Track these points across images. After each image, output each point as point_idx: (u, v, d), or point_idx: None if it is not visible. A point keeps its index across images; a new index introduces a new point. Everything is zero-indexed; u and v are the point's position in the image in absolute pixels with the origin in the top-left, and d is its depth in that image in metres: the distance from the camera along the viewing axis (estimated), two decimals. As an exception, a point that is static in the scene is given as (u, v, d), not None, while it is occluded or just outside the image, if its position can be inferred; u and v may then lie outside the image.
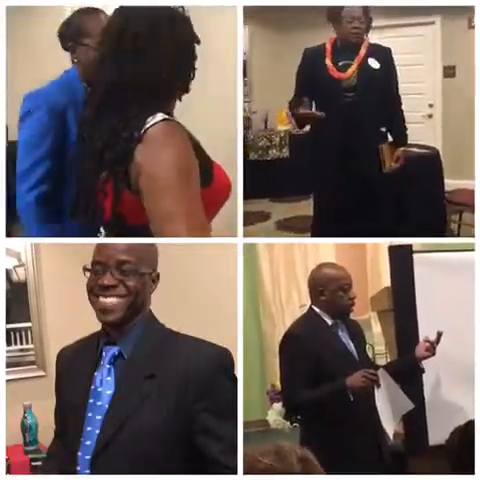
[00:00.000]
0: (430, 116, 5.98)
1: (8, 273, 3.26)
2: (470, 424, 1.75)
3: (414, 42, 5.88)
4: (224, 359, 1.72)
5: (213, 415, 1.65)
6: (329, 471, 1.53)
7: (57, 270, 3.31)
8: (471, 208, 3.41)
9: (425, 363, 2.70)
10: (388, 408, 2.48)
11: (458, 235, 3.85)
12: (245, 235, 4.82)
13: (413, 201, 3.81)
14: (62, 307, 3.29)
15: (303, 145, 3.77)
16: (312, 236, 3.66)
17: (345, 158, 3.30)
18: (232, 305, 2.85)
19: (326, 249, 4.05)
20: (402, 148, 3.39)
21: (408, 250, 2.82)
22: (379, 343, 3.17)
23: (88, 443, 1.67)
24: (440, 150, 4.30)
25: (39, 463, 2.89)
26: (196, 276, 3.33)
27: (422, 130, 5.70)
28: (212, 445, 1.65)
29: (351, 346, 2.56)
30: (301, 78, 3.37)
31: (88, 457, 1.67)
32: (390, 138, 3.41)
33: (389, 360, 2.97)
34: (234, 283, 2.91)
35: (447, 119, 5.90)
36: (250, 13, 6.05)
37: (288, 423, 3.54)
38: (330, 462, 1.53)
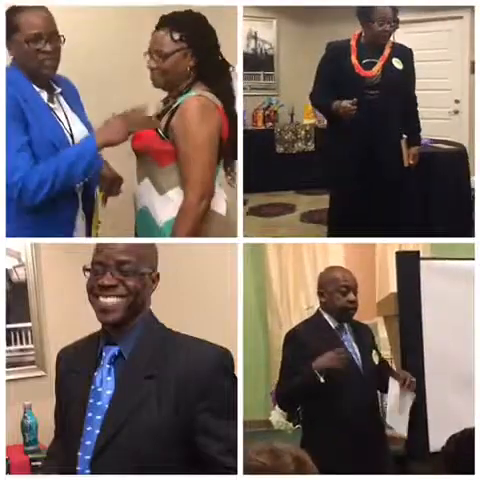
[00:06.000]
0: (456, 112, 5.85)
1: (8, 273, 3.26)
2: (466, 432, 1.73)
3: (441, 37, 5.78)
4: (224, 359, 1.72)
5: (213, 415, 1.65)
6: (327, 473, 1.53)
7: (57, 270, 3.31)
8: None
9: (428, 368, 2.69)
10: (397, 409, 2.50)
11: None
12: (270, 226, 4.82)
13: (438, 199, 3.81)
14: (62, 307, 3.29)
15: (328, 139, 3.76)
16: (328, 230, 3.65)
17: (365, 154, 3.32)
18: (232, 305, 2.85)
19: (335, 253, 4.04)
20: (417, 146, 3.44)
21: (415, 257, 2.81)
22: (385, 348, 3.16)
23: (88, 443, 1.67)
24: (466, 147, 4.24)
25: (39, 463, 2.89)
26: (196, 276, 3.33)
27: (448, 126, 5.62)
28: (212, 445, 1.65)
29: (355, 350, 2.56)
30: (325, 72, 3.39)
31: (88, 457, 1.67)
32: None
33: (394, 365, 2.96)
34: (233, 282, 2.91)
35: (474, 115, 5.73)
36: (277, 7, 6.07)
37: (291, 424, 3.54)
38: (329, 465, 1.53)
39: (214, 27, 2.60)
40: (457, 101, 5.87)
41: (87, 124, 2.54)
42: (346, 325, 2.59)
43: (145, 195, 2.56)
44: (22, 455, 3.06)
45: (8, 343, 3.21)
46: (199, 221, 2.46)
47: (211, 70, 2.51)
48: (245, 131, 6.15)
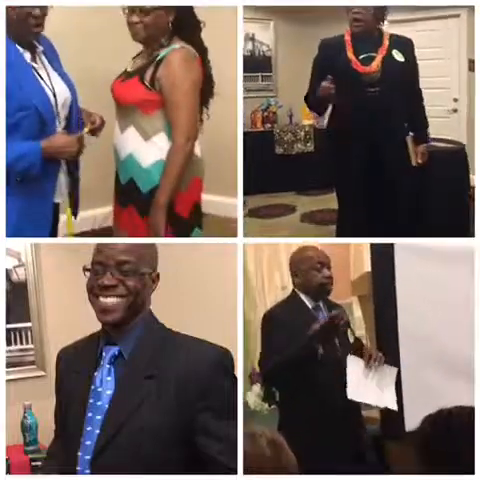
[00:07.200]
0: (455, 110, 5.84)
1: (8, 273, 3.26)
2: (442, 412, 1.71)
3: (439, 35, 5.76)
4: (224, 359, 1.71)
5: (213, 415, 1.65)
6: (302, 456, 1.53)
7: (57, 270, 3.31)
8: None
9: (403, 347, 2.69)
10: (375, 387, 2.49)
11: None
12: (271, 227, 4.83)
13: (437, 197, 3.77)
14: (62, 307, 3.29)
15: (327, 140, 3.72)
16: (338, 230, 3.62)
17: (369, 153, 3.19)
18: (231, 304, 2.84)
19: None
20: (425, 144, 3.34)
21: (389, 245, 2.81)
22: (359, 327, 3.17)
23: (88, 443, 1.67)
24: (465, 145, 4.20)
25: (39, 463, 2.89)
26: (196, 276, 3.33)
27: (446, 125, 5.60)
28: (212, 445, 1.64)
29: None
30: (319, 69, 3.21)
31: (88, 457, 1.67)
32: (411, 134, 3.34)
33: (369, 343, 2.95)
34: (233, 282, 2.91)
35: (472, 113, 5.72)
36: (275, 8, 6.06)
37: (266, 405, 3.53)
38: (305, 447, 1.53)
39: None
40: (455, 99, 5.87)
41: (67, 81, 2.56)
42: (321, 305, 2.60)
43: (130, 143, 2.72)
44: (22, 455, 3.06)
45: (8, 343, 3.21)
46: (187, 160, 2.64)
47: (186, 25, 2.67)
48: (244, 133, 6.12)
